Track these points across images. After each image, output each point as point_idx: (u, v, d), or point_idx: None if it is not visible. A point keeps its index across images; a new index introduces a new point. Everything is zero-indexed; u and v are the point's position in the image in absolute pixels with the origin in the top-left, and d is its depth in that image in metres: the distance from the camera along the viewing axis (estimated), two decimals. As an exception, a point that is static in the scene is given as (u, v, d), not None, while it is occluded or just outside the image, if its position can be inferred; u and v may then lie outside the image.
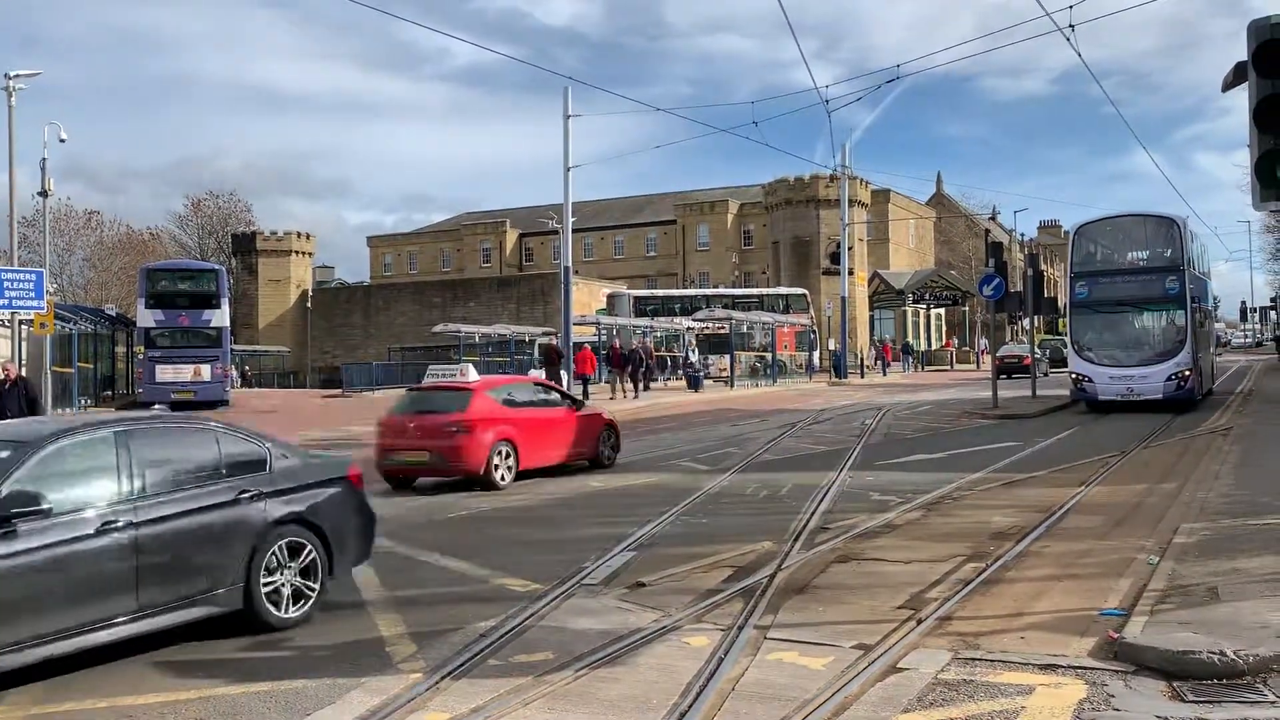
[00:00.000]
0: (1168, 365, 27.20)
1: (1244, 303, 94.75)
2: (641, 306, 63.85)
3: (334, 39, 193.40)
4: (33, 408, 17.14)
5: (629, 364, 39.73)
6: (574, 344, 38.27)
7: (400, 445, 16.60)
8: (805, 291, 67.55)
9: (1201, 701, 5.99)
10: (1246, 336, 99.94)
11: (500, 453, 16.35)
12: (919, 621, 7.77)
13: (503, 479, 16.26)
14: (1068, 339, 30.09)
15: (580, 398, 23.14)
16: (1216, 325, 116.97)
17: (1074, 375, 28.94)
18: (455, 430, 16.08)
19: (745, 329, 54.37)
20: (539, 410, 17.92)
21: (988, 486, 15.09)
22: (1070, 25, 19.78)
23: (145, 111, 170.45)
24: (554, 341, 38.46)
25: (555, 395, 19.35)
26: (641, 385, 40.23)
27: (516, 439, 16.72)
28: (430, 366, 47.19)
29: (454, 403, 16.74)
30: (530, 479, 16.98)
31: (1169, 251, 28.27)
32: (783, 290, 68.36)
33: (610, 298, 67.12)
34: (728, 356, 50.31)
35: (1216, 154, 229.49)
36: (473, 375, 19.17)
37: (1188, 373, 27.06)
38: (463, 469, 16.12)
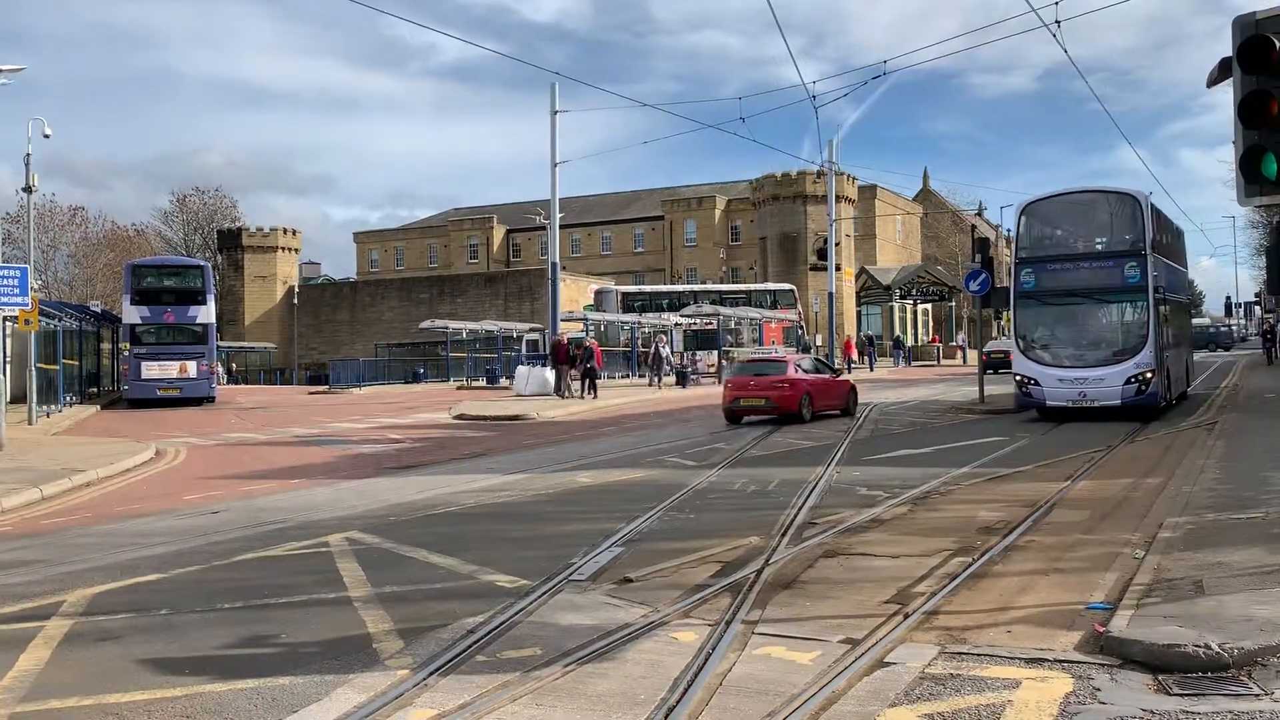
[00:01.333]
0: (1127, 365, 23.66)
1: (1229, 298, 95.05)
2: (629, 303, 63.83)
3: (319, 35, 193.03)
4: None
5: (575, 362, 37.17)
6: (558, 339, 38.34)
7: (744, 394, 25.92)
8: (793, 287, 67.66)
9: (1187, 694, 6.01)
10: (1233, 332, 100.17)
11: (804, 402, 25.61)
12: (906, 616, 7.79)
13: (807, 416, 25.50)
14: (1011, 335, 26.90)
15: (839, 368, 33.58)
16: (1201, 320, 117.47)
17: (1018, 377, 25.15)
18: (782, 385, 25.57)
19: (733, 324, 54.43)
20: (820, 375, 27.59)
21: (974, 481, 15.14)
22: (1056, 21, 19.86)
23: (128, 107, 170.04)
24: (563, 338, 38.05)
25: (825, 366, 30.11)
26: (588, 385, 36.64)
27: (812, 393, 26.08)
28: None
29: (777, 369, 26.72)
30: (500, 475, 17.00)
31: (1128, 233, 24.62)
32: (770, 286, 68.45)
33: (597, 294, 67.12)
34: (715, 352, 50.34)
35: (1201, 150, 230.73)
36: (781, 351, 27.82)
37: (1150, 374, 23.46)
38: (785, 410, 25.31)
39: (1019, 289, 25.35)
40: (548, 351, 40.66)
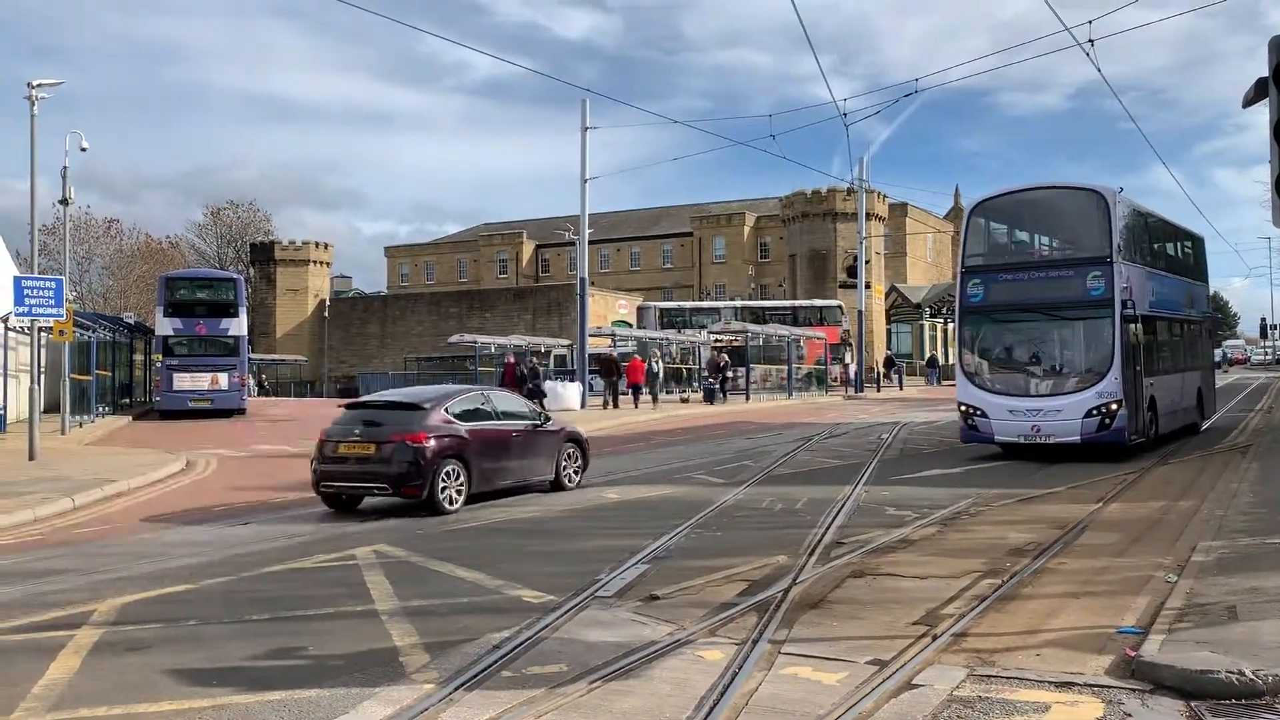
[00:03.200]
0: (1087, 395, 19.92)
1: (1264, 319, 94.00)
2: (670, 319, 63.84)
3: (352, 51, 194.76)
4: None
5: (523, 383, 34.24)
6: (508, 360, 37.34)
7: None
8: (840, 303, 67.14)
9: (1220, 721, 5.93)
10: (1267, 354, 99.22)
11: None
12: (934, 638, 7.72)
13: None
14: (956, 357, 22.82)
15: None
16: (1235, 342, 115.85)
17: (962, 407, 21.41)
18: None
19: (775, 341, 54.12)
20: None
21: (1005, 502, 15.01)
22: (1090, 40, 19.75)
23: (161, 121, 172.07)
24: (510, 358, 35.97)
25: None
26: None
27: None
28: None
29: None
30: (535, 493, 17.11)
31: (1092, 237, 20.76)
32: (817, 302, 68.07)
33: (640, 310, 67.57)
34: (743, 369, 50.26)
35: (1235, 170, 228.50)
36: None
37: (1115, 405, 19.66)
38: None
39: (965, 303, 21.84)
40: (502, 372, 38.32)
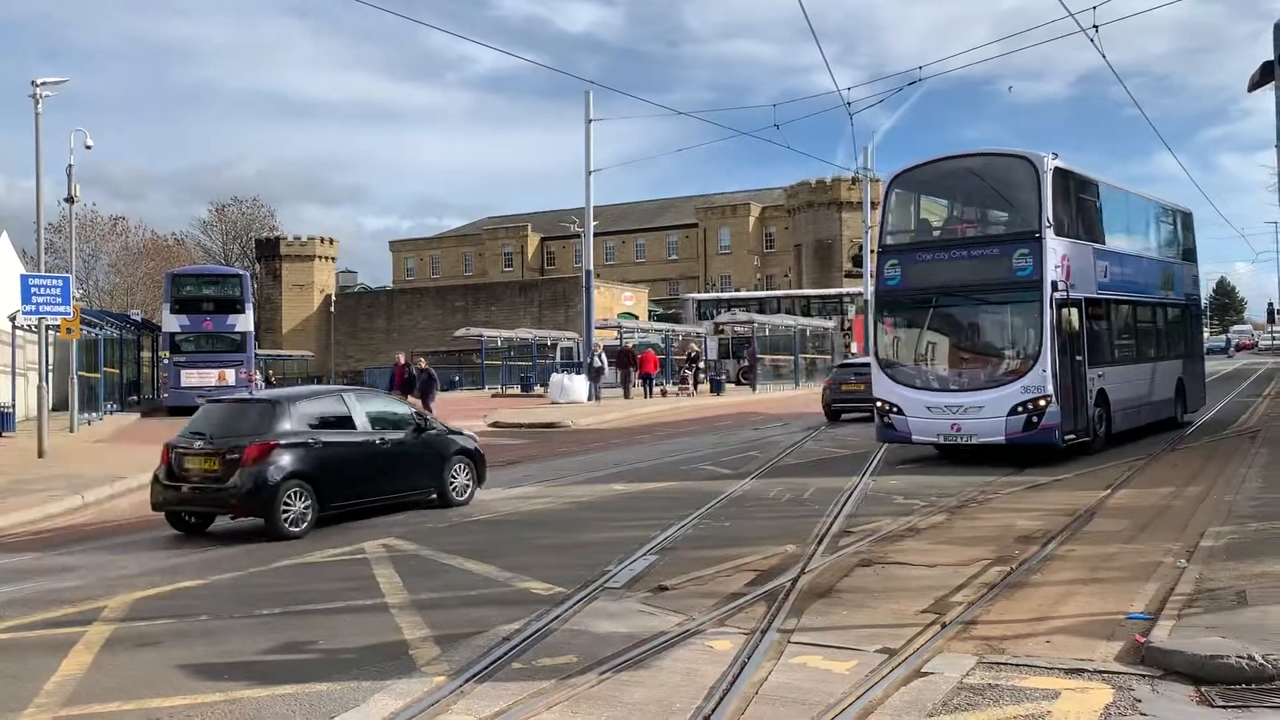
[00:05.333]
0: (1012, 390, 17.51)
1: (1271, 304, 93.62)
2: (705, 310, 63.69)
3: (357, 47, 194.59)
4: None
5: (413, 387, 29.60)
6: (399, 362, 32.08)
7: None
8: None
9: (1230, 706, 5.92)
10: (1274, 338, 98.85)
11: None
12: (943, 625, 7.73)
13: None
14: (871, 347, 20.36)
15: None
16: (1242, 327, 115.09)
17: (879, 403, 19.12)
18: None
19: (809, 331, 53.82)
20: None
21: (1012, 490, 15.01)
22: (1094, 26, 19.64)
23: (165, 119, 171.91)
24: (401, 359, 31.11)
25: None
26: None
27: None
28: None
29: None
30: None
31: (1020, 210, 18.59)
32: (854, 290, 67.85)
33: (678, 301, 68.03)
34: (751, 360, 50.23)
35: (1240, 155, 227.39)
36: None
37: (1043, 401, 17.28)
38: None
39: (881, 285, 19.57)
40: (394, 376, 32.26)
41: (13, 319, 28.78)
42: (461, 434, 16.08)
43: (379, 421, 14.74)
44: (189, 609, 9.18)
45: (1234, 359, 76.75)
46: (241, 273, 45.28)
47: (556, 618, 8.29)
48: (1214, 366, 61.54)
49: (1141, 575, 9.22)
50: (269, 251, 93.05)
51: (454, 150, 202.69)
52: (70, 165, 32.11)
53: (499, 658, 7.22)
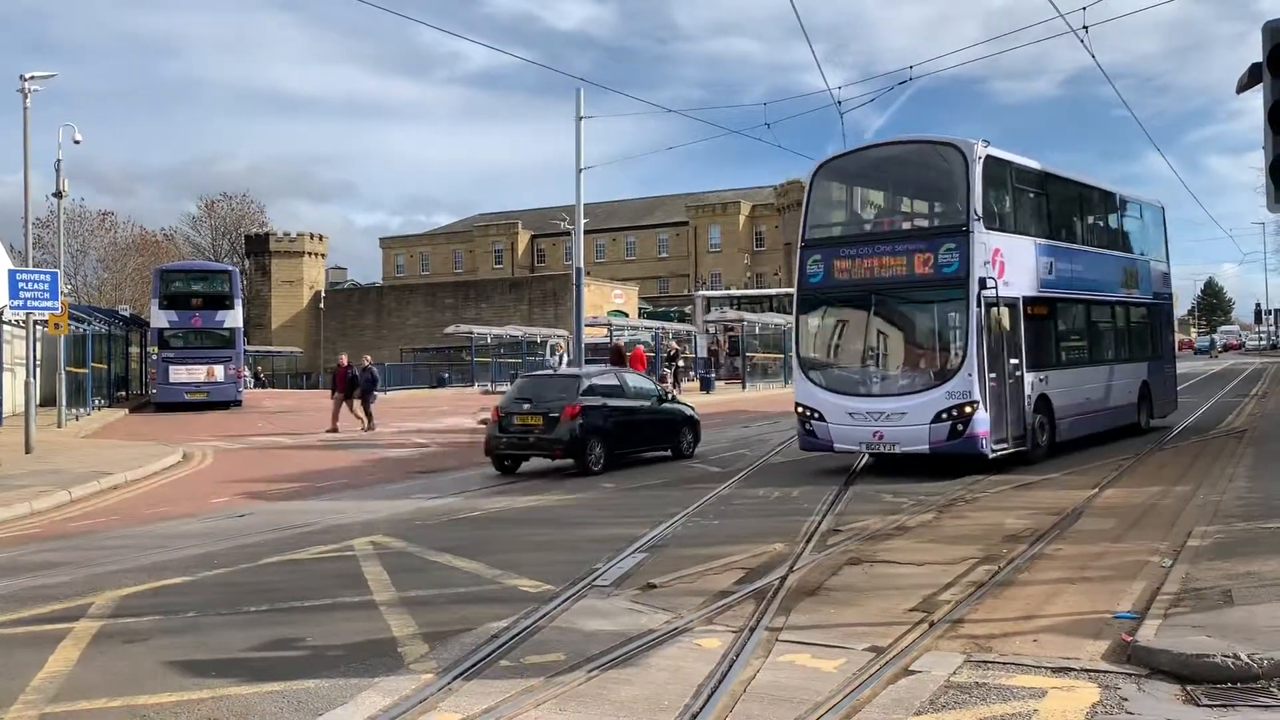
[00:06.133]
0: (935, 395, 16.25)
1: (1258, 304, 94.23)
2: (716, 307, 63.66)
3: (346, 43, 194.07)
4: None
5: (354, 388, 29.31)
6: (339, 363, 31.74)
7: None
8: None
9: (1215, 705, 5.95)
10: (1261, 339, 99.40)
11: None
12: (931, 624, 7.75)
13: None
14: (793, 348, 19.26)
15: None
16: (1230, 328, 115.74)
17: (799, 408, 17.82)
18: None
19: (772, 329, 53.87)
20: None
21: (1001, 489, 15.04)
22: (1084, 26, 19.68)
23: (153, 114, 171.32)
24: (343, 360, 30.35)
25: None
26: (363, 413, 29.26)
27: None
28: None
29: None
30: (541, 478, 17.20)
31: (947, 201, 17.65)
32: None
33: (706, 300, 68.16)
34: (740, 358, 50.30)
35: (1229, 156, 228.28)
36: None
37: (969, 408, 15.98)
38: None
39: (803, 284, 18.29)
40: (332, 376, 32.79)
41: (0, 314, 28.66)
42: (688, 406, 21.66)
43: (638, 394, 20.20)
44: (176, 606, 9.15)
45: (1219, 359, 77.09)
46: (230, 269, 45.15)
47: (544, 615, 8.29)
48: (1201, 366, 61.94)
49: (1128, 574, 9.25)
50: (259, 247, 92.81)
51: (444, 147, 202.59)
52: (59, 160, 32.00)
53: (487, 655, 7.22)
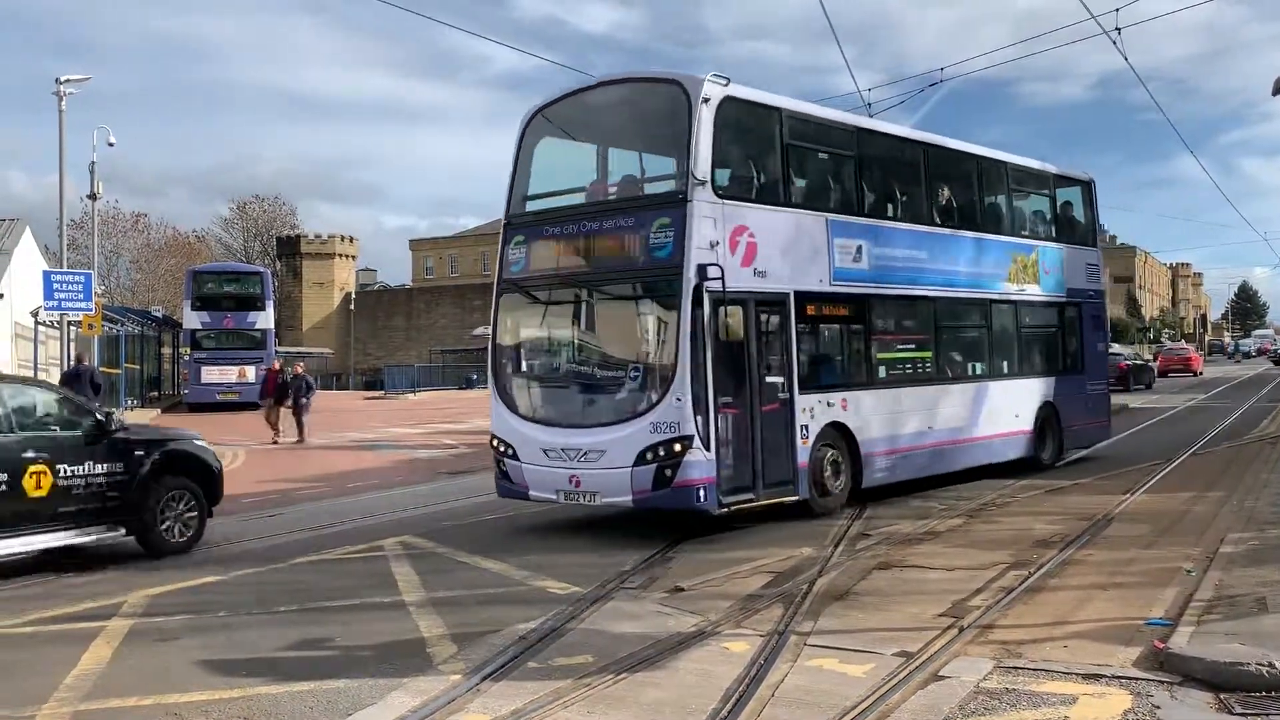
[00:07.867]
0: (639, 428, 11.75)
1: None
2: None
3: (375, 47, 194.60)
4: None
5: (284, 397, 27.69)
6: (270, 368, 31.22)
7: None
8: None
9: (1249, 714, 5.88)
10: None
11: None
12: (961, 629, 7.69)
13: None
14: (489, 362, 13.73)
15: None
16: (1264, 332, 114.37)
17: (493, 442, 13.24)
18: None
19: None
20: None
21: (1031, 493, 14.93)
22: (1117, 29, 19.51)
23: (185, 117, 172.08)
24: (276, 365, 29.79)
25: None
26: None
27: None
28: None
29: None
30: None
31: (666, 159, 13.56)
32: None
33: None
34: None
35: (1261, 159, 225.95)
36: None
37: (678, 446, 11.45)
38: None
39: (503, 275, 13.66)
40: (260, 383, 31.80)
41: (35, 314, 28.97)
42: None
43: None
44: (207, 605, 9.23)
45: (1242, 364, 76.13)
46: (262, 270, 45.53)
47: (573, 617, 8.30)
48: (1234, 371, 61.24)
49: (1160, 581, 9.16)
50: (289, 249, 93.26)
51: (470, 149, 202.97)
52: (93, 162, 32.42)
53: (515, 656, 7.24)
